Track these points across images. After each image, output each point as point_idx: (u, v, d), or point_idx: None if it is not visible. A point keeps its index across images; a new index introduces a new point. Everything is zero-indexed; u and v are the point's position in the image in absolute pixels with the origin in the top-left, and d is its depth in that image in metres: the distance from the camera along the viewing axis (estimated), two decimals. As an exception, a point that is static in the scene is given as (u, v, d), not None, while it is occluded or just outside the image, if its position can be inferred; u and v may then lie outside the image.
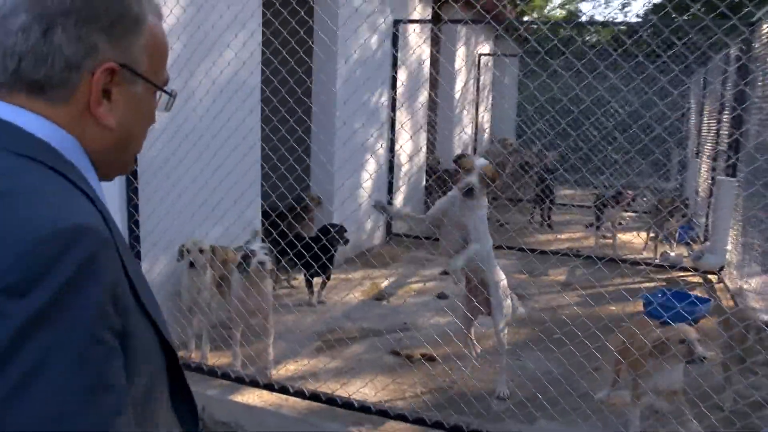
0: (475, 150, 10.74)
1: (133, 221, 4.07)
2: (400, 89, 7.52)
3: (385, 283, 6.11)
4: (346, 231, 5.40)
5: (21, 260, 0.73)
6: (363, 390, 3.79)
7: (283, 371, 4.16)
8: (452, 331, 4.48)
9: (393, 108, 7.47)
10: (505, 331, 3.91)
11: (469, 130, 10.46)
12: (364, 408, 3.45)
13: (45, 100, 0.91)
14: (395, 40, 7.32)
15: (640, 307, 5.43)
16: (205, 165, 4.47)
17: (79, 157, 0.94)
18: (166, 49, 1.06)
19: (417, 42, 7.95)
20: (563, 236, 8.33)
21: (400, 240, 7.51)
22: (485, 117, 11.38)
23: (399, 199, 8.03)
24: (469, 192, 3.47)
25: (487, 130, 11.72)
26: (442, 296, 5.68)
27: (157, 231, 4.24)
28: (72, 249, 0.76)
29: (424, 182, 8.83)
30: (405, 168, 8.04)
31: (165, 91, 1.07)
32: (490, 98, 11.63)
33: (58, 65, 0.90)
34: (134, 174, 4.00)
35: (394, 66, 7.34)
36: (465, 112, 10.17)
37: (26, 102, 0.91)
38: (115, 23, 0.94)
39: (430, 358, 4.39)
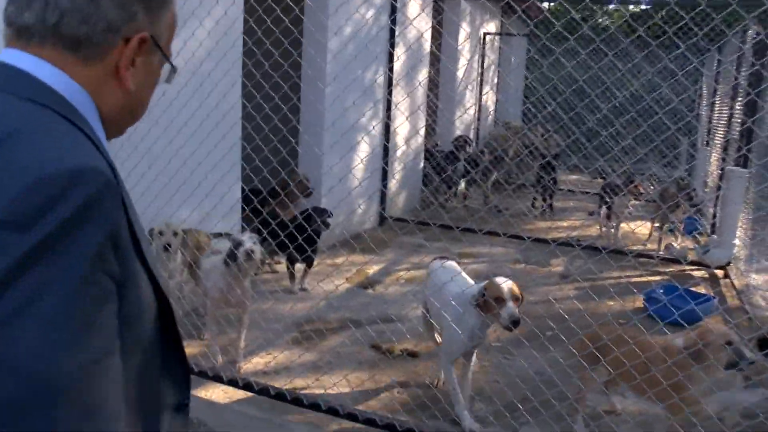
0: (477, 132, 10.39)
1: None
2: (397, 66, 7.18)
3: (372, 270, 5.83)
4: (329, 215, 5.11)
5: (24, 197, 0.75)
6: (337, 387, 3.53)
7: (253, 364, 3.91)
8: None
9: (389, 86, 7.14)
10: None
11: (471, 111, 10.10)
12: (331, 410, 3.18)
13: (76, 56, 0.95)
14: (393, 13, 6.98)
15: (640, 304, 5.15)
16: (182, 144, 4.17)
17: (89, 111, 0.96)
18: (176, 26, 1.12)
19: (417, 17, 7.59)
20: (565, 224, 8.00)
21: (393, 224, 7.21)
22: (490, 98, 11.01)
23: (393, 183, 7.73)
24: (516, 323, 3.05)
25: (492, 112, 11.36)
26: (431, 286, 5.40)
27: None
28: (74, 189, 0.77)
29: (421, 165, 8.52)
30: (401, 150, 7.72)
31: (173, 65, 1.12)
32: (496, 79, 11.24)
33: (101, 26, 0.95)
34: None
35: (391, 41, 7.00)
36: (468, 93, 9.81)
37: (54, 55, 0.94)
38: None
39: (412, 354, 4.13)
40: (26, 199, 0.75)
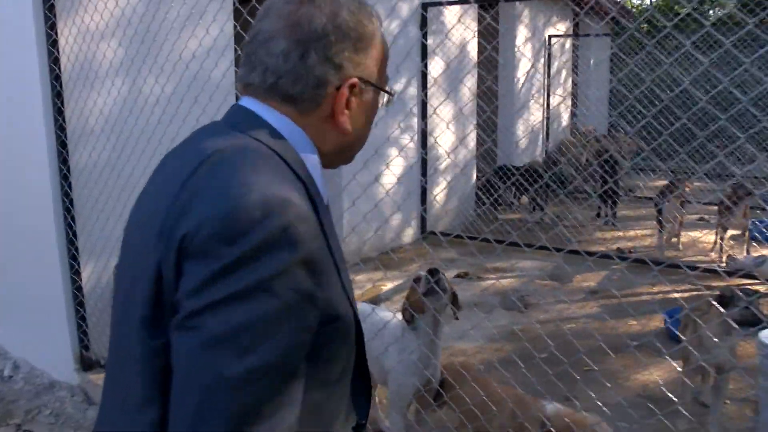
0: (545, 143, 9.82)
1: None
2: (433, 79, 6.92)
3: (387, 287, 5.59)
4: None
5: (232, 216, 0.88)
6: None
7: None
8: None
9: (424, 98, 6.91)
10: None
11: (537, 121, 9.55)
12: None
13: (294, 108, 1.07)
14: (424, 23, 6.76)
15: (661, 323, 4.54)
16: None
17: (305, 149, 1.07)
18: (388, 53, 1.18)
19: (457, 25, 7.29)
20: (627, 234, 7.27)
21: (435, 239, 6.89)
22: (561, 105, 10.37)
23: (437, 197, 7.44)
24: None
25: (565, 120, 10.70)
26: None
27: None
28: (269, 217, 0.89)
29: (473, 178, 8.14)
30: (444, 164, 7.41)
31: (389, 93, 1.19)
32: (569, 84, 10.59)
33: (311, 83, 1.06)
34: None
35: (423, 54, 6.77)
36: (532, 102, 9.29)
37: (278, 106, 1.07)
38: (356, 43, 1.08)
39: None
40: (233, 220, 0.88)
